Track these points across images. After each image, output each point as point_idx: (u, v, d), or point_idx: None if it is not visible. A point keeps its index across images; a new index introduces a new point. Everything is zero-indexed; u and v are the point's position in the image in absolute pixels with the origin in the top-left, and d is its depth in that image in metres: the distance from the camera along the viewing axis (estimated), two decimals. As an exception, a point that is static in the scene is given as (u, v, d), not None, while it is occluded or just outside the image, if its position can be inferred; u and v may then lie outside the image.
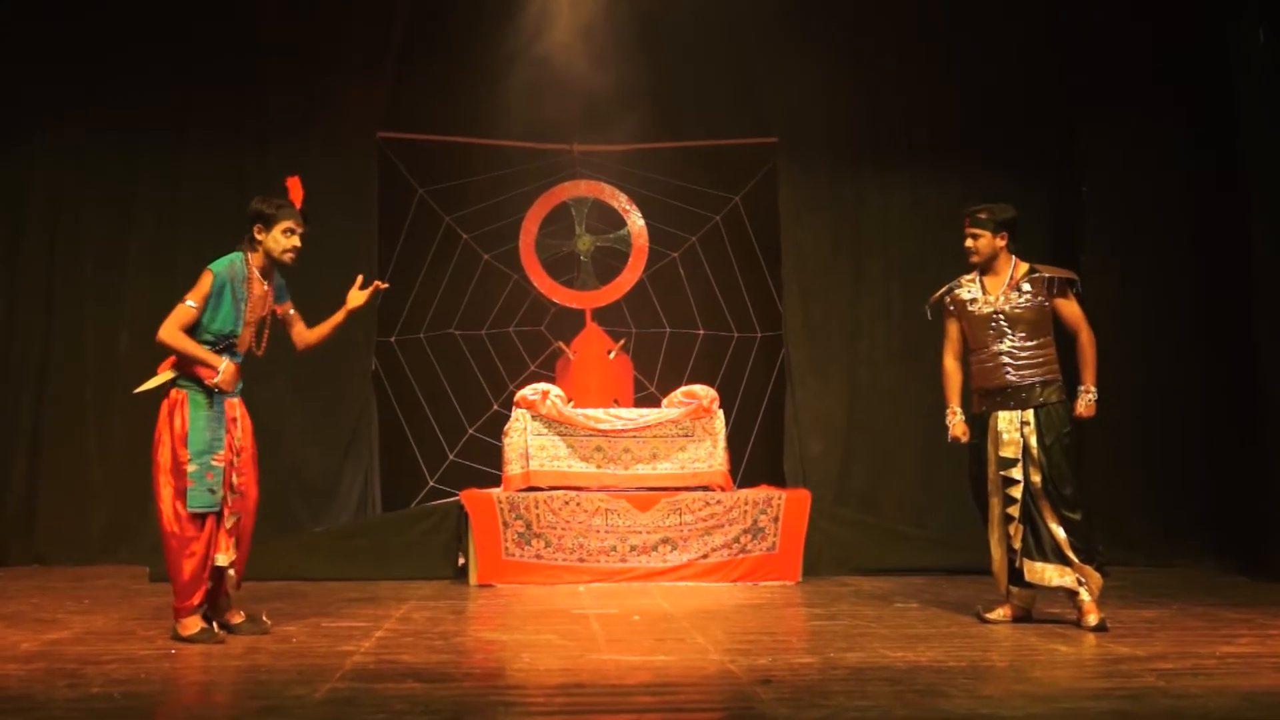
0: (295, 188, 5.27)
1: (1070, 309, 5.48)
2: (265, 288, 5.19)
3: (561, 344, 8.31)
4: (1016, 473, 5.38)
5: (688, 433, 7.46)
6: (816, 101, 8.71)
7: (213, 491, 4.95)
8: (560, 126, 8.80)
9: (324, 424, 8.26)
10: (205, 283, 5.01)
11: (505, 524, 7.09)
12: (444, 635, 5.13)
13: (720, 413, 7.54)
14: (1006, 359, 5.44)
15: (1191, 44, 8.29)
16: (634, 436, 7.42)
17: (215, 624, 5.01)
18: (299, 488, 8.19)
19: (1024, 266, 5.53)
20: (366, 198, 8.46)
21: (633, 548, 7.12)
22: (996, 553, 5.51)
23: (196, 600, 4.95)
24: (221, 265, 5.07)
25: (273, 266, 5.22)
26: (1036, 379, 5.41)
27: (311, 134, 8.42)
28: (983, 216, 5.53)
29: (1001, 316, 5.47)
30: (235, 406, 5.11)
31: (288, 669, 4.33)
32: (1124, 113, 8.51)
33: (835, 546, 7.45)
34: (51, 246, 8.17)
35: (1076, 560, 5.30)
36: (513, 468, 7.38)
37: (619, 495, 7.20)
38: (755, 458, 8.66)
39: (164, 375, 5.04)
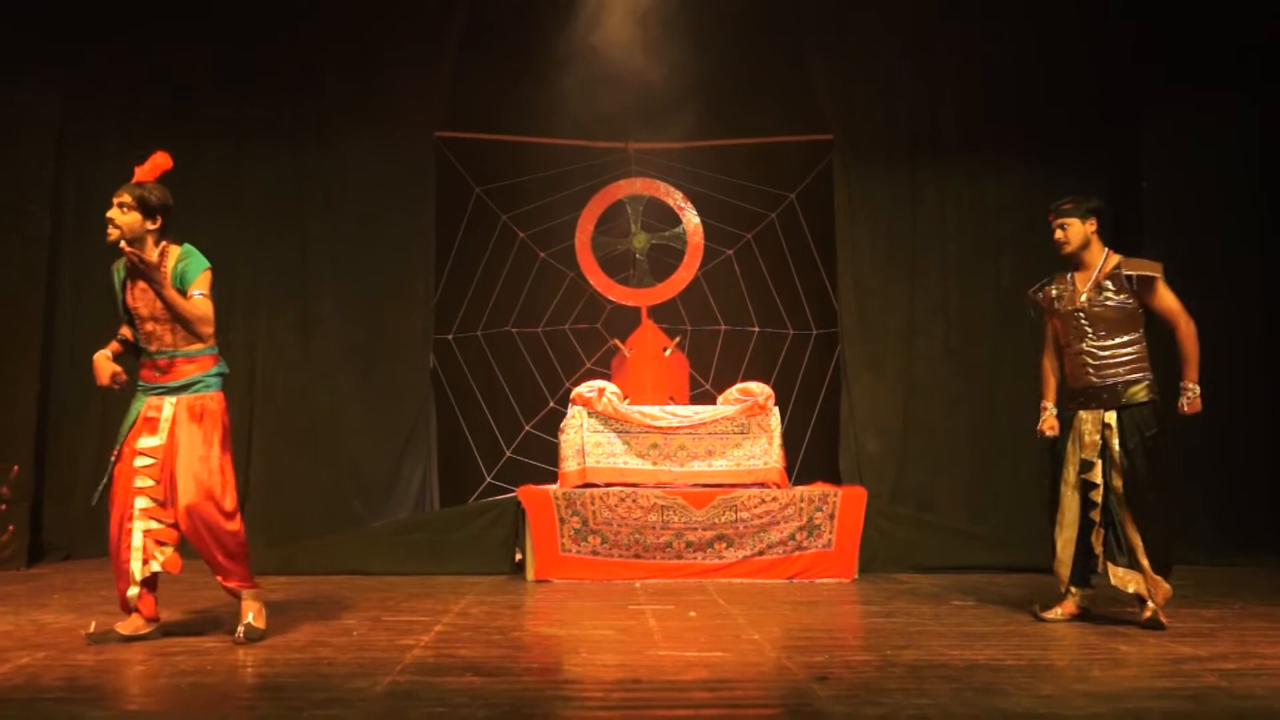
0: (151, 159, 4.85)
1: (1162, 302, 5.31)
2: (134, 280, 4.79)
3: (617, 341, 8.32)
4: (1096, 475, 5.29)
5: (743, 430, 7.44)
6: (872, 98, 8.65)
7: (106, 486, 4.80)
8: (615, 125, 8.80)
9: (383, 421, 8.32)
10: None
11: (562, 520, 7.12)
12: (502, 630, 5.16)
13: (776, 409, 7.51)
14: (1087, 358, 5.35)
15: (1260, 38, 8.15)
16: (690, 433, 7.41)
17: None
18: (358, 484, 8.26)
19: (1114, 260, 5.40)
20: (424, 197, 8.52)
21: (688, 544, 7.12)
22: (1063, 551, 5.43)
23: (120, 601, 4.83)
24: (118, 260, 4.87)
25: (141, 251, 4.75)
26: (1119, 379, 5.29)
27: (370, 135, 8.49)
28: (1068, 206, 5.44)
29: (1082, 314, 5.38)
30: (162, 406, 4.78)
31: (349, 662, 4.38)
32: (1188, 107, 8.38)
33: (891, 544, 7.40)
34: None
35: (1149, 569, 5.21)
36: (569, 464, 7.39)
37: (675, 492, 7.19)
38: (811, 455, 8.62)
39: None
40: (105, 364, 4.75)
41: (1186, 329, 5.26)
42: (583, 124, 8.72)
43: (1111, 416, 5.29)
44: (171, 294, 4.73)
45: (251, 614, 4.84)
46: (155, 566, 4.77)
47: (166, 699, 3.87)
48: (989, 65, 8.64)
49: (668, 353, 8.15)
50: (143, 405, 4.81)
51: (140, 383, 4.85)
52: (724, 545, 7.13)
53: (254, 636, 4.77)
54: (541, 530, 7.10)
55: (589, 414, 7.45)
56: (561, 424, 7.56)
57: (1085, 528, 5.36)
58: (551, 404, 8.77)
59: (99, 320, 8.12)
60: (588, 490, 7.21)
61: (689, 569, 7.08)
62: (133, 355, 4.89)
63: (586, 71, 8.37)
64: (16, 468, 7.60)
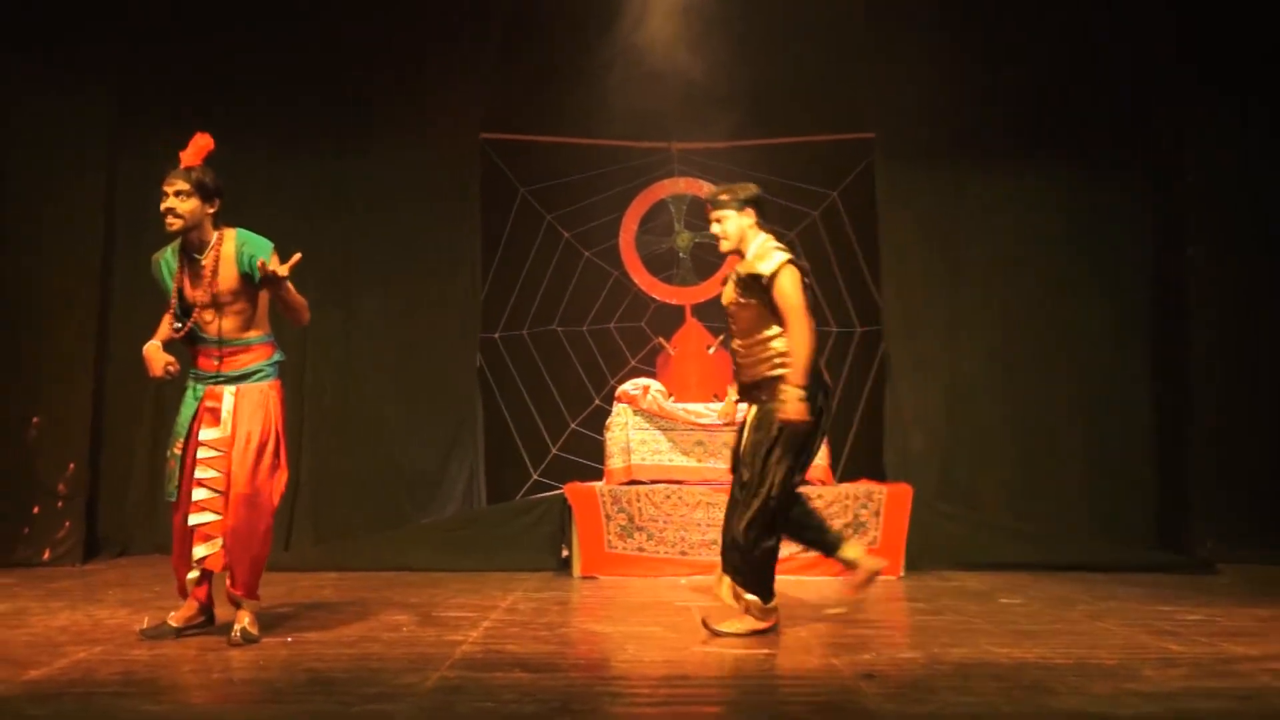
0: (192, 142, 4.78)
1: (779, 300, 4.92)
2: (200, 265, 4.73)
3: (661, 339, 8.31)
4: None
5: (791, 427, 7.39)
6: (914, 95, 8.56)
7: (170, 480, 4.75)
8: (658, 124, 8.79)
9: (430, 418, 8.35)
10: None
11: (608, 517, 7.12)
12: (549, 626, 5.16)
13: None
14: (735, 356, 5.18)
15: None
16: (735, 431, 7.36)
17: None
18: (405, 481, 8.30)
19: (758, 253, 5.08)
20: (470, 198, 8.54)
21: (734, 541, 7.07)
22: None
23: (178, 585, 4.86)
24: (160, 251, 4.86)
25: (203, 239, 4.74)
26: (760, 378, 5.06)
27: (416, 136, 8.52)
28: (723, 197, 5.11)
29: (729, 313, 5.19)
30: (223, 396, 4.75)
31: (399, 658, 4.39)
32: (1234, 102, 8.26)
33: (937, 541, 7.34)
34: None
35: None
36: (614, 461, 7.40)
37: (720, 489, 7.14)
38: (856, 452, 8.57)
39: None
40: (158, 354, 4.70)
41: (795, 329, 4.84)
42: (626, 124, 8.71)
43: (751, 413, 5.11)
44: (293, 294, 4.74)
45: (248, 619, 4.76)
46: (194, 560, 4.74)
47: (221, 693, 3.89)
48: (1033, 62, 8.53)
49: (712, 350, 8.13)
50: (201, 395, 4.77)
51: (196, 371, 4.81)
52: (770, 542, 7.07)
53: (250, 640, 4.68)
54: (588, 527, 7.10)
55: (634, 412, 7.45)
56: (607, 422, 7.56)
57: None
58: (597, 402, 8.78)
59: (153, 318, 8.20)
60: (633, 487, 7.21)
61: (734, 566, 7.04)
62: (185, 345, 4.84)
63: (630, 71, 8.36)
64: (72, 465, 7.69)
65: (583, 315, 8.98)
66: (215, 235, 4.78)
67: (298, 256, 4.68)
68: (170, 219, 4.70)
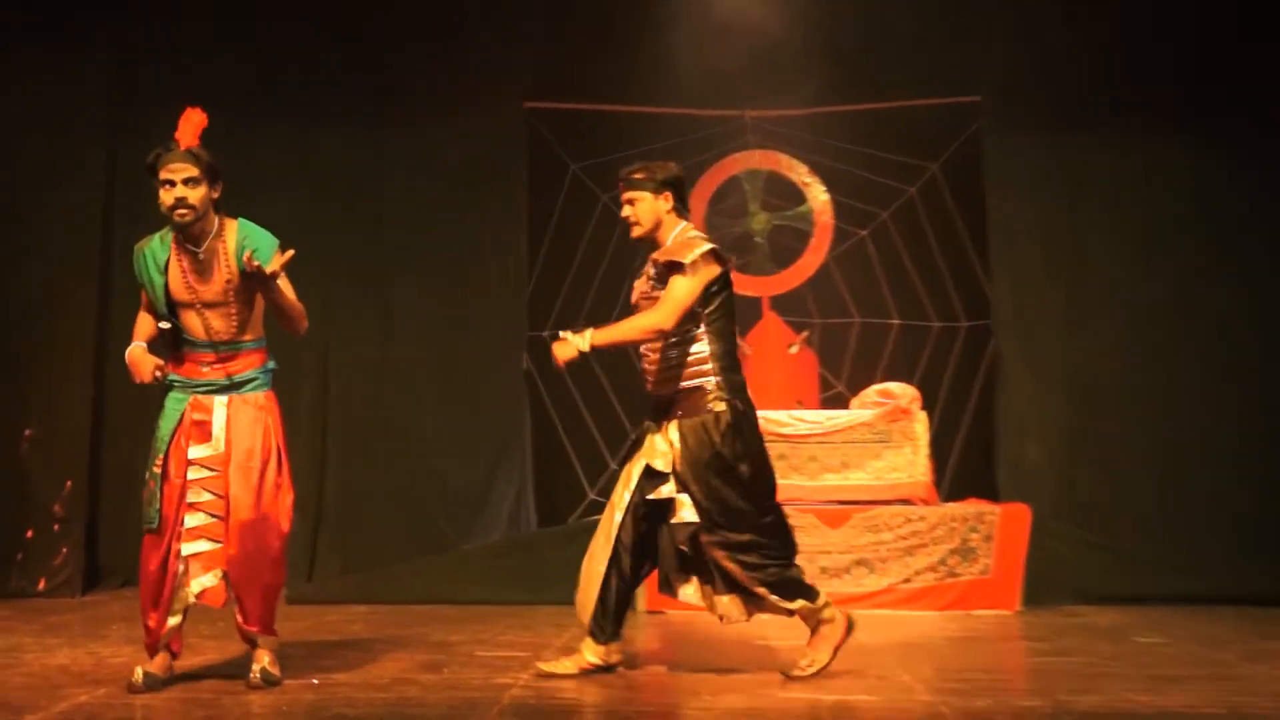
0: (185, 117, 4.73)
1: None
2: (195, 261, 4.70)
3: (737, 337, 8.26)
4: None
5: (884, 438, 7.35)
6: (1029, 52, 8.47)
7: (149, 504, 4.66)
8: (730, 90, 8.76)
9: (471, 430, 8.37)
10: None
11: (676, 541, 7.07)
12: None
13: (921, 414, 7.43)
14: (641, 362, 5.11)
15: None
16: (821, 442, 7.34)
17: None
18: (444, 501, 8.32)
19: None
20: (514, 177, 8.55)
21: (822, 570, 7.02)
22: None
23: (150, 639, 4.71)
24: (142, 242, 4.82)
25: (202, 230, 4.70)
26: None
27: (450, 108, 8.54)
28: (638, 175, 5.01)
29: (636, 310, 5.13)
30: (213, 407, 4.71)
31: (439, 703, 4.37)
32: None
33: (1060, 570, 7.25)
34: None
35: None
36: (683, 478, 7.35)
37: (805, 510, 7.12)
38: (963, 466, 8.47)
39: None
40: (145, 358, 4.68)
41: (658, 312, 4.82)
42: (692, 90, 8.69)
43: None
44: (288, 297, 4.73)
45: (268, 659, 4.75)
46: (189, 599, 4.65)
47: (239, 745, 3.89)
48: (1164, 13, 8.39)
49: (794, 349, 8.09)
50: (186, 407, 4.72)
51: (179, 379, 4.75)
52: (864, 571, 7.05)
53: (272, 681, 4.66)
54: (653, 553, 7.06)
55: (705, 420, 7.39)
56: (674, 432, 7.51)
57: None
58: (663, 409, 8.73)
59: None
60: (705, 508, 7.15)
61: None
62: (168, 348, 4.79)
63: (695, 29, 8.35)
64: (70, 483, 7.78)
65: (645, 310, 8.93)
66: (216, 224, 4.77)
67: (289, 252, 4.67)
68: (181, 211, 4.66)
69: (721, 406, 4.83)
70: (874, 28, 8.72)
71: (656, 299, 4.91)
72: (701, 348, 4.88)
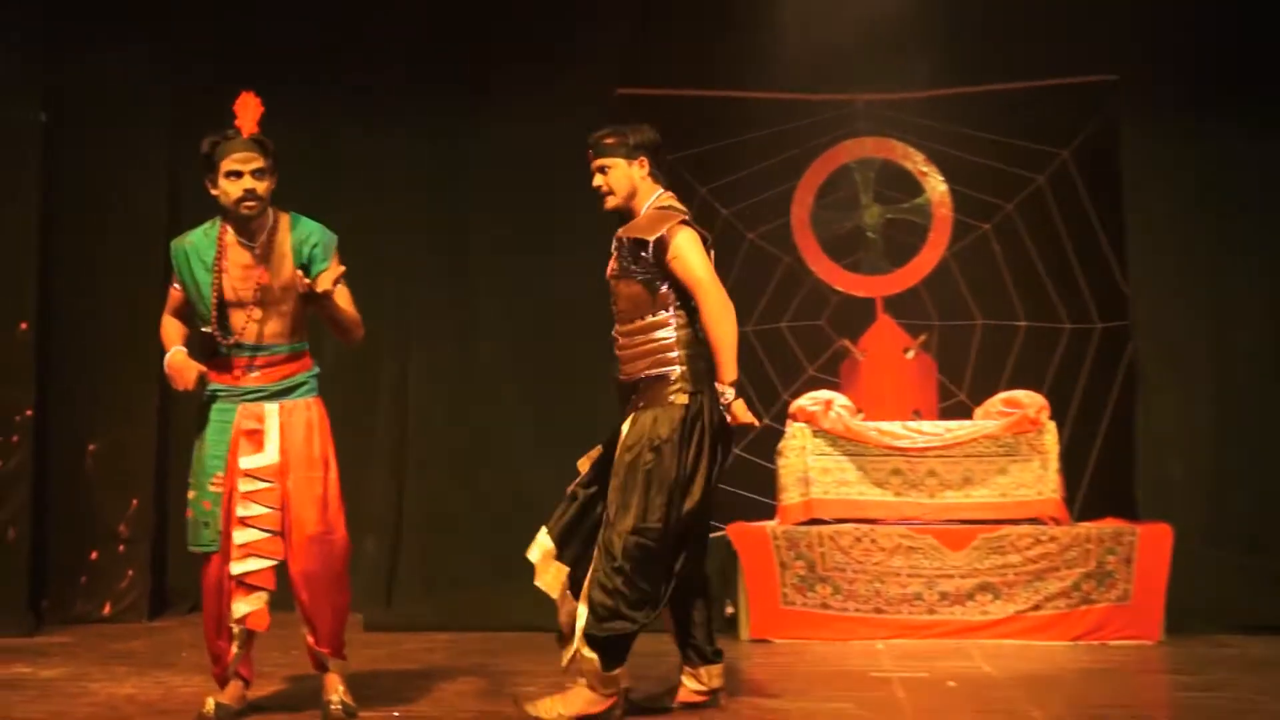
0: (243, 104, 4.85)
1: (681, 270, 4.91)
2: (252, 256, 4.82)
3: (847, 342, 8.25)
4: None
5: (1010, 451, 7.31)
6: (1170, 23, 8.36)
7: (206, 525, 4.73)
8: (839, 72, 8.73)
9: (561, 442, 8.33)
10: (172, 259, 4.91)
11: (783, 565, 7.10)
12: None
13: (1051, 425, 7.38)
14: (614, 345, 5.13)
15: None
16: (941, 456, 7.32)
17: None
18: (531, 518, 8.28)
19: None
20: (605, 168, 8.58)
21: (943, 595, 7.02)
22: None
23: (218, 668, 4.85)
24: (181, 236, 4.92)
25: (260, 225, 4.83)
26: (639, 375, 4.98)
27: (537, 98, 8.60)
28: (609, 141, 5.07)
29: (610, 289, 5.20)
30: (264, 415, 4.81)
31: (531, 739, 4.42)
32: None
33: (1206, 596, 7.20)
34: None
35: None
36: (790, 495, 7.37)
37: (924, 530, 7.11)
38: (1098, 482, 8.37)
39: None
40: (189, 363, 4.78)
41: (710, 305, 4.84)
42: (798, 73, 8.67)
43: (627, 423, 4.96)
44: (346, 310, 4.85)
45: (342, 687, 4.86)
46: (232, 621, 4.73)
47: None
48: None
49: (910, 354, 8.06)
50: (235, 417, 4.79)
51: (223, 388, 4.84)
52: (989, 597, 7.02)
53: (351, 713, 4.78)
54: (758, 578, 7.10)
55: (814, 433, 7.42)
56: (779, 445, 7.54)
57: None
58: (766, 420, 8.72)
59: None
60: (814, 528, 7.18)
61: (944, 627, 7.00)
62: (207, 355, 4.88)
63: (801, 7, 8.35)
64: (135, 502, 7.94)
65: (747, 312, 8.91)
66: (272, 218, 4.89)
67: (341, 269, 4.76)
68: (251, 204, 4.77)
69: (684, 399, 4.84)
70: (995, 3, 8.67)
71: (626, 280, 4.96)
72: (668, 333, 4.92)
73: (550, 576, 5.02)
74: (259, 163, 4.78)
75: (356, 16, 8.61)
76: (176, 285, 4.96)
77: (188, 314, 4.99)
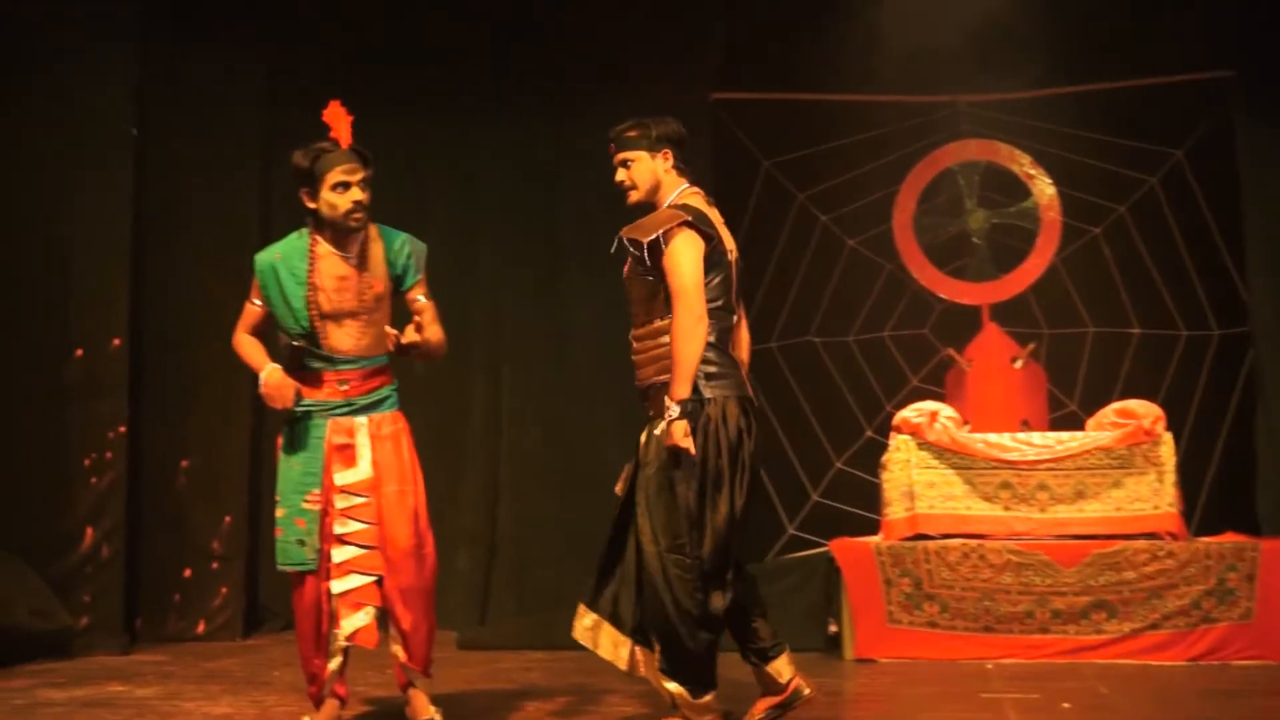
0: (335, 115, 4.94)
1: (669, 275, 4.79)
2: (350, 266, 4.89)
3: (952, 351, 8.20)
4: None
5: (1124, 463, 7.22)
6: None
7: (302, 544, 4.78)
8: (940, 73, 8.70)
9: (658, 457, 8.42)
10: (254, 277, 4.96)
11: (888, 582, 7.06)
12: (819, 723, 5.14)
13: (1167, 436, 7.28)
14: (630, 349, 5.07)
15: None
16: (1052, 469, 7.24)
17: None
18: (626, 536, 8.38)
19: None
20: (699, 175, 8.49)
21: (1055, 614, 6.94)
22: None
23: (314, 687, 4.89)
24: (267, 250, 4.96)
25: (358, 236, 4.91)
26: (648, 381, 4.89)
27: (628, 102, 8.55)
28: (631, 134, 4.99)
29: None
30: (355, 429, 4.87)
31: (631, 761, 4.43)
32: None
33: (1337, 614, 7.02)
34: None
35: None
36: (894, 510, 7.33)
37: (1035, 545, 7.04)
38: (1217, 495, 8.26)
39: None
40: (288, 382, 4.81)
41: (678, 315, 4.67)
42: (897, 75, 8.65)
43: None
44: (435, 341, 4.94)
45: (433, 707, 4.90)
46: (341, 640, 4.78)
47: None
48: None
49: (1018, 364, 8.00)
50: (326, 432, 4.84)
51: (313, 403, 4.88)
52: (1104, 615, 6.93)
53: None
54: (862, 595, 7.07)
55: (918, 445, 7.37)
56: (883, 459, 7.50)
57: None
58: (869, 433, 8.70)
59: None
60: (920, 543, 7.14)
61: (1057, 646, 6.92)
62: (294, 370, 4.92)
63: (899, 5, 8.30)
64: (229, 518, 8.04)
65: (848, 322, 8.92)
66: (364, 229, 4.95)
67: (424, 319, 4.89)
68: (358, 215, 4.86)
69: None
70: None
71: (634, 280, 4.92)
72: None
73: (608, 644, 4.90)
74: (363, 173, 4.87)
75: (445, 26, 8.70)
76: (256, 301, 5.01)
77: (263, 331, 5.05)
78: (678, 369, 4.65)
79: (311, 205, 4.87)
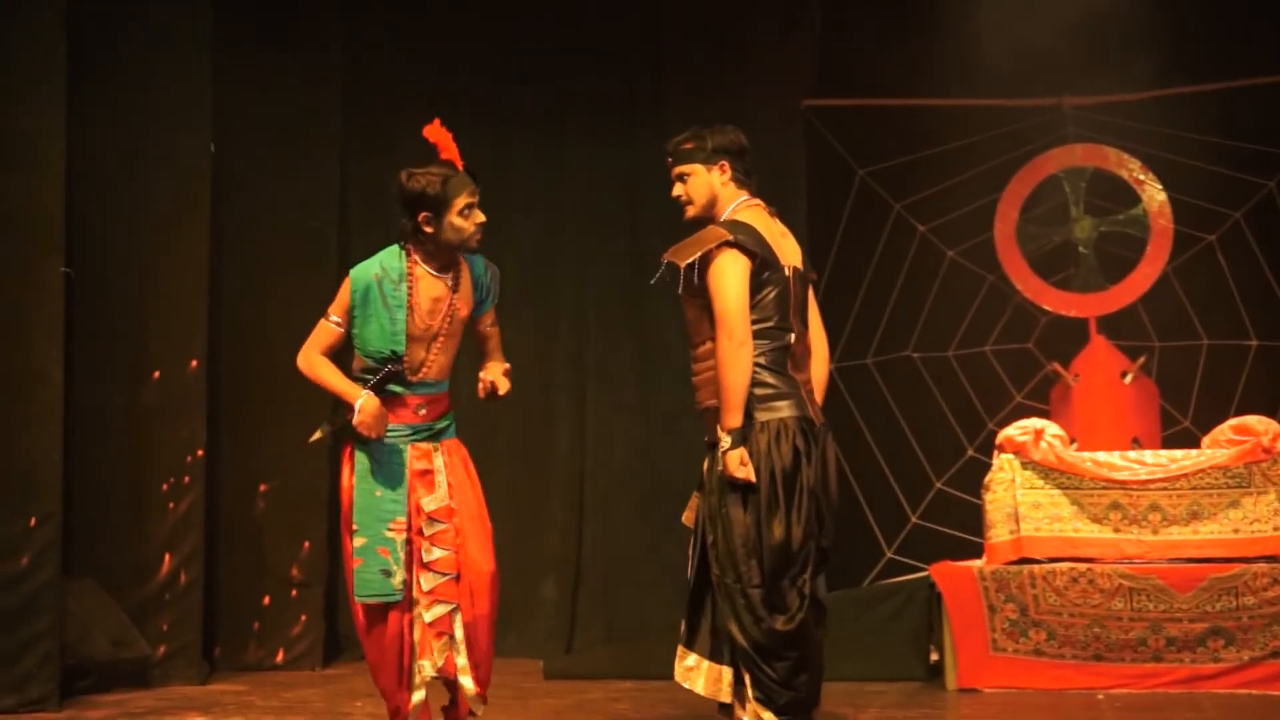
0: (442, 137, 4.97)
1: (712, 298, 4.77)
2: (445, 288, 4.97)
3: (1058, 366, 8.13)
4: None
5: (1242, 482, 7.10)
6: None
7: (388, 574, 4.77)
8: (1043, 74, 8.66)
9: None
10: (345, 292, 4.96)
11: (992, 608, 7.01)
12: (919, 756, 5.11)
13: (1289, 453, 7.16)
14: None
15: None
16: (1165, 489, 7.14)
17: None
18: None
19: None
20: (792, 186, 8.56)
21: (1170, 641, 6.85)
22: None
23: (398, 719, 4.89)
24: (364, 266, 4.96)
25: (454, 258, 4.98)
26: (704, 404, 4.86)
27: (718, 110, 8.59)
28: (688, 146, 4.92)
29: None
30: (432, 454, 4.94)
31: (721, 795, 4.41)
32: None
33: None
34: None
35: None
36: (998, 532, 7.26)
37: (1148, 569, 6.95)
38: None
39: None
40: (383, 410, 4.84)
41: (720, 341, 4.67)
42: (998, 77, 8.63)
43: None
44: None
45: None
46: (430, 671, 4.81)
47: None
48: None
49: (1128, 379, 7.92)
50: (408, 457, 4.90)
51: (394, 427, 4.91)
52: (1221, 643, 6.82)
53: None
54: (965, 622, 7.02)
55: (1023, 464, 7.30)
56: (985, 479, 7.43)
57: None
58: (970, 452, 8.65)
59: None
60: (1025, 567, 7.07)
61: (1171, 675, 6.83)
62: (378, 394, 4.94)
63: (999, 5, 8.27)
64: (308, 544, 8.12)
65: (948, 336, 8.87)
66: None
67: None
68: (480, 238, 4.93)
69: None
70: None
71: (687, 301, 4.85)
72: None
73: (709, 680, 4.87)
74: (477, 193, 4.93)
75: (527, 33, 8.77)
76: (337, 320, 5.02)
77: (335, 353, 5.07)
78: (725, 397, 4.66)
79: (429, 230, 4.87)
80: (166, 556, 7.57)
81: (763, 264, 4.78)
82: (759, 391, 4.72)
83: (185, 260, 7.77)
